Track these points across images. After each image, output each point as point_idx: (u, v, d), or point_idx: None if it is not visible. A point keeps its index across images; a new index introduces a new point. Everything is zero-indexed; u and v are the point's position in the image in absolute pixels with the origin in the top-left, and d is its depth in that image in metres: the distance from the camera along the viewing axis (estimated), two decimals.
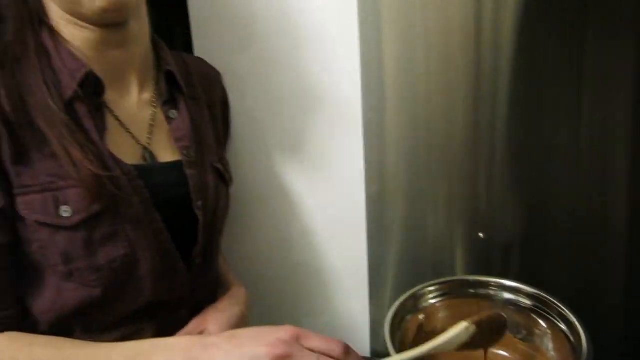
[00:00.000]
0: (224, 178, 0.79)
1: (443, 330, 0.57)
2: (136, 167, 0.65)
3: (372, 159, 0.85)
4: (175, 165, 0.70)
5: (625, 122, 0.72)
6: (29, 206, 0.59)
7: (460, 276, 0.76)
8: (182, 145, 0.71)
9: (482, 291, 0.72)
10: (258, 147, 0.92)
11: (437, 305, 0.72)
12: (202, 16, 0.89)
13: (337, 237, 0.92)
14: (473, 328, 0.57)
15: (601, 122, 0.73)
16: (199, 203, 0.70)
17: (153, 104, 0.72)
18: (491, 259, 0.83)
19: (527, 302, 0.69)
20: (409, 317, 0.68)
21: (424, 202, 0.85)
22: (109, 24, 0.64)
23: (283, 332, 0.49)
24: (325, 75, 0.84)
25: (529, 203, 0.80)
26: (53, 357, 0.56)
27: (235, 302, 0.78)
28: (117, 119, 0.67)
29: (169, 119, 0.72)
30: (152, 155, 0.69)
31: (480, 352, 0.64)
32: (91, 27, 0.63)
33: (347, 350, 0.50)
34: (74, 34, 0.64)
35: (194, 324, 0.72)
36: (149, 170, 0.67)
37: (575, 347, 0.61)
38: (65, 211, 0.59)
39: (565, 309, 0.65)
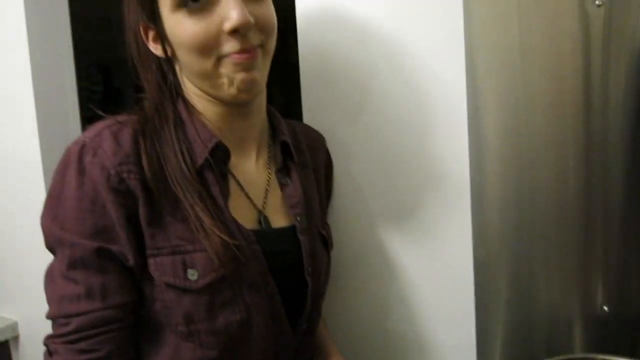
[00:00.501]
0: (327, 243, 0.81)
1: None
2: (254, 232, 0.68)
3: (479, 222, 0.83)
4: (288, 231, 0.73)
5: None
6: (159, 268, 0.63)
7: (582, 353, 0.70)
8: (296, 212, 0.74)
9: None
10: (360, 213, 0.92)
11: None
12: (313, 85, 0.94)
13: (441, 305, 0.89)
14: None
15: None
16: (310, 269, 0.72)
17: (268, 169, 0.76)
18: (617, 336, 0.76)
19: None
20: None
21: (535, 268, 0.81)
22: (240, 103, 0.69)
23: None
24: (430, 139, 0.85)
25: None
26: None
27: None
28: (238, 183, 0.71)
29: (281, 185, 0.76)
30: (267, 220, 0.72)
31: None
32: (222, 102, 0.69)
33: None
34: (206, 107, 0.70)
35: None
36: (265, 235, 0.70)
37: None
38: (192, 274, 0.62)
39: None
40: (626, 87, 0.71)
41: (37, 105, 1.24)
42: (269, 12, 0.68)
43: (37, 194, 1.24)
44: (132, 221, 0.62)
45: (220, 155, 0.68)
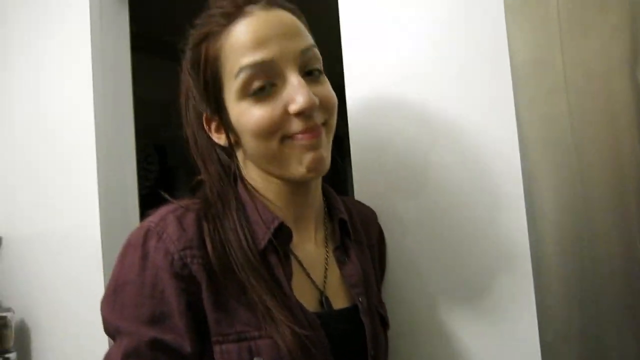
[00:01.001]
0: (385, 323, 0.78)
1: None
2: (317, 314, 0.67)
3: (545, 304, 0.79)
4: (350, 312, 0.71)
5: None
6: (225, 355, 0.61)
7: None
8: (357, 291, 0.73)
9: None
10: (417, 293, 0.90)
11: None
12: (364, 163, 0.95)
13: None
14: None
15: None
16: (372, 352, 0.70)
17: (325, 248, 0.76)
18: None
19: None
20: None
21: (605, 353, 0.75)
22: (307, 181, 0.70)
23: None
24: (487, 214, 0.83)
25: None
26: None
27: None
28: (300, 264, 0.71)
29: (339, 263, 0.75)
30: (328, 300, 0.71)
31: None
32: (287, 181, 0.70)
33: None
34: (267, 187, 0.71)
35: None
36: (328, 318, 0.69)
37: None
38: None
39: None
40: None
41: (99, 185, 1.31)
42: (330, 91, 0.70)
43: (95, 274, 1.30)
44: (193, 308, 0.62)
45: (282, 236, 0.68)
